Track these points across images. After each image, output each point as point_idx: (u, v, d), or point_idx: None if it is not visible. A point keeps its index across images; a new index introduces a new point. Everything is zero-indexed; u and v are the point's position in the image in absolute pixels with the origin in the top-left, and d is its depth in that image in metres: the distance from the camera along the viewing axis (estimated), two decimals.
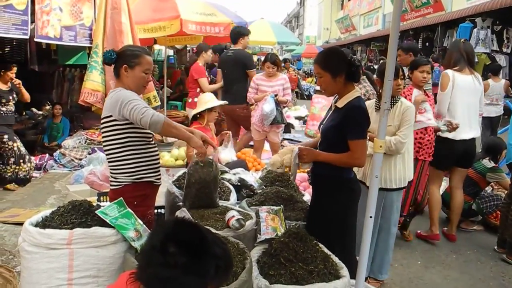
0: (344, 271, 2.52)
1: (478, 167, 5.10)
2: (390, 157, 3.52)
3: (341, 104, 2.90)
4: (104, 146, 2.88)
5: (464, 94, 4.48)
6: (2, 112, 5.91)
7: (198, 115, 4.54)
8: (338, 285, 2.37)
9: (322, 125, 3.07)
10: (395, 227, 3.80)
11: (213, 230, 2.46)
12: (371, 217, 1.95)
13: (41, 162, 6.66)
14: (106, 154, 2.89)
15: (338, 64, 2.85)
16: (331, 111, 3.05)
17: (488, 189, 5.24)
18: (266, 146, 6.44)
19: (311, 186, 4.41)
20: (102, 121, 2.84)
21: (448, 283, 4.05)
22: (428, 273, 4.22)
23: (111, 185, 2.92)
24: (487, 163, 5.07)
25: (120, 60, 2.83)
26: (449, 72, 4.54)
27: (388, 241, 3.73)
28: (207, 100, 4.60)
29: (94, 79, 5.14)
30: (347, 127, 2.81)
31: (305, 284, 2.32)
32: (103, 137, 2.88)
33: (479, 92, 4.58)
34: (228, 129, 6.04)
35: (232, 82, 6.43)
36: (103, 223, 2.35)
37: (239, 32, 6.48)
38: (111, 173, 2.89)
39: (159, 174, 2.98)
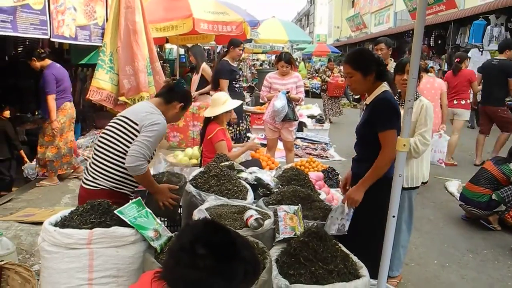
0: (364, 270, 2.50)
1: (505, 169, 5.05)
2: None
3: (369, 100, 3.00)
4: (105, 140, 2.91)
5: None
6: (236, 88, 6.56)
7: (213, 116, 4.55)
8: (359, 285, 2.35)
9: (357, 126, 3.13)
10: (406, 225, 3.76)
11: None
12: (393, 216, 1.92)
13: None
14: (101, 150, 2.92)
15: (369, 63, 2.94)
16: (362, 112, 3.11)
17: None
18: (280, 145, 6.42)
19: (326, 185, 4.41)
20: (123, 119, 2.88)
21: (465, 283, 4.00)
22: (445, 273, 4.17)
23: (84, 183, 2.95)
24: None
25: (181, 97, 3.08)
26: None
27: (399, 238, 3.70)
28: (224, 100, 4.58)
29: (100, 78, 5.15)
30: (375, 120, 2.87)
31: (325, 284, 2.29)
32: (110, 130, 2.92)
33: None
34: (481, 126, 7.99)
35: (495, 87, 7.58)
36: (122, 223, 2.34)
37: (508, 45, 7.68)
38: (93, 171, 2.91)
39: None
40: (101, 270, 2.24)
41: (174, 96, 3.04)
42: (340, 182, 3.67)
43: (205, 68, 7.22)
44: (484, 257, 4.53)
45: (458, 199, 5.58)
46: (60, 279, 2.24)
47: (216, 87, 6.74)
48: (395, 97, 3.66)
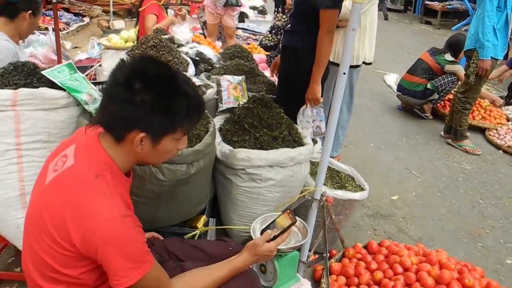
0: (308, 139, 2.50)
1: (439, 59, 5.15)
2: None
3: None
4: None
5: None
6: None
7: None
8: (303, 151, 2.35)
9: None
10: (346, 106, 3.71)
11: None
12: (344, 73, 1.85)
13: None
14: None
15: None
16: None
17: None
18: None
19: (269, 68, 4.31)
20: None
21: (398, 163, 4.21)
22: (380, 154, 4.36)
23: None
24: (448, 57, 5.14)
25: (25, 3, 2.70)
26: None
27: (339, 119, 3.70)
28: None
29: None
30: None
31: (269, 149, 2.27)
32: None
33: None
34: None
35: None
36: (52, 86, 2.12)
37: None
38: None
39: None
40: (30, 134, 2.05)
41: (16, 8, 2.68)
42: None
43: None
44: (417, 141, 4.77)
45: (395, 91, 5.73)
46: None
47: None
48: None
